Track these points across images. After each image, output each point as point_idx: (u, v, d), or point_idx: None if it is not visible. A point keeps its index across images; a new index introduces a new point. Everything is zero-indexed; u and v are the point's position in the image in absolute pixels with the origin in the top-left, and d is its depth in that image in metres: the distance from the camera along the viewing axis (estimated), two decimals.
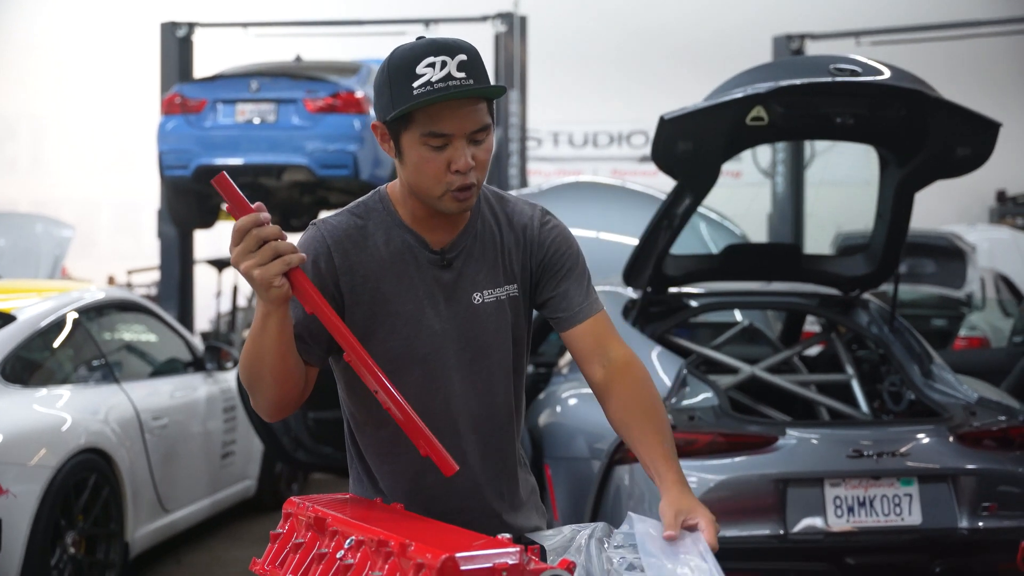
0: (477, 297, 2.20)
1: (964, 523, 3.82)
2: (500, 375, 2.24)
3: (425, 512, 2.11)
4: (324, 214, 10.58)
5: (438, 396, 2.18)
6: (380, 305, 2.14)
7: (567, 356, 4.93)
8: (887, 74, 3.76)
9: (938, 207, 12.70)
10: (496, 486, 2.27)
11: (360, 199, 2.25)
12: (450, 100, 2.02)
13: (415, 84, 2.01)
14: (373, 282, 2.14)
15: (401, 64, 2.04)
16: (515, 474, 2.31)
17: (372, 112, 8.85)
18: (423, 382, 2.17)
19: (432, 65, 2.01)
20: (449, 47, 2.04)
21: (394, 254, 2.16)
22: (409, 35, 10.54)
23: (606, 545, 1.93)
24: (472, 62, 2.05)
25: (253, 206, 1.92)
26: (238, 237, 1.90)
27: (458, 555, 1.64)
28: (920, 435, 3.94)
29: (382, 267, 2.15)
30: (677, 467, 2.10)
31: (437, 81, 2.01)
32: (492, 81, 2.09)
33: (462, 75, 2.02)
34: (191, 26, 11.21)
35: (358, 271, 2.14)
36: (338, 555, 1.85)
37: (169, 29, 11.19)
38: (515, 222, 2.28)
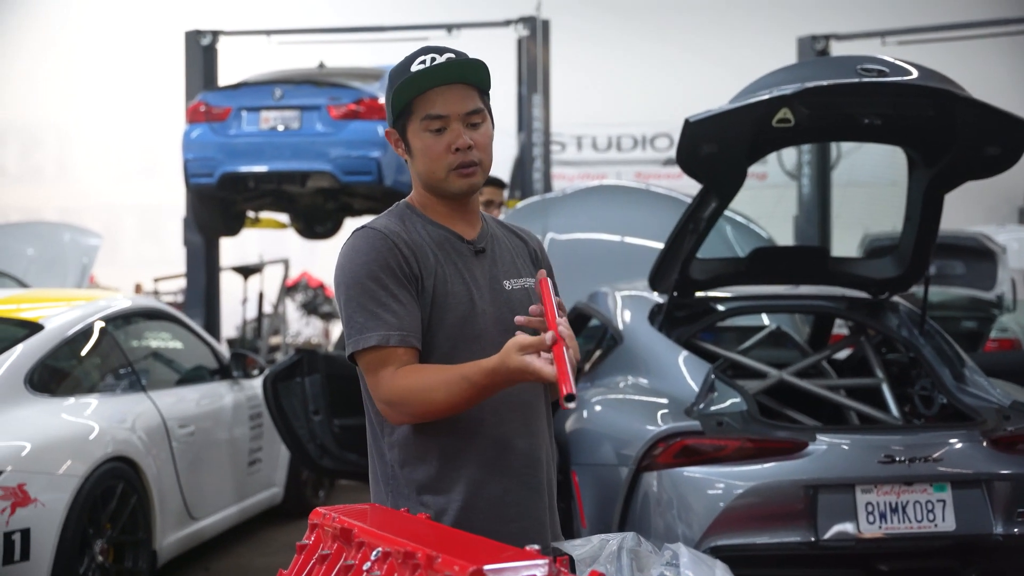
0: (508, 284, 2.37)
1: (999, 529, 3.77)
2: None
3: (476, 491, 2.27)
4: (350, 220, 10.63)
5: None
6: (441, 286, 2.29)
7: (591, 361, 4.90)
8: (915, 74, 3.72)
9: (966, 207, 12.57)
10: (542, 471, 2.37)
11: (385, 212, 2.40)
12: (440, 86, 2.25)
13: (407, 79, 2.25)
14: (432, 266, 2.29)
15: (398, 69, 2.30)
16: (551, 460, 2.43)
17: None
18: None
19: (423, 62, 2.26)
20: (439, 48, 2.28)
21: (437, 246, 2.31)
22: (432, 41, 10.53)
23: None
24: (460, 57, 2.27)
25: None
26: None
27: (486, 567, 1.61)
28: (953, 440, 3.89)
29: (435, 255, 2.30)
30: None
31: (431, 67, 2.24)
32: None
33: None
34: (215, 34, 11.24)
35: (420, 258, 2.29)
36: (364, 567, 1.83)
37: (193, 38, 11.23)
38: (518, 234, 2.51)
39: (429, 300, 2.28)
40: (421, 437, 2.29)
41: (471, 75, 2.28)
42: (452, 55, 2.28)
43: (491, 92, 2.37)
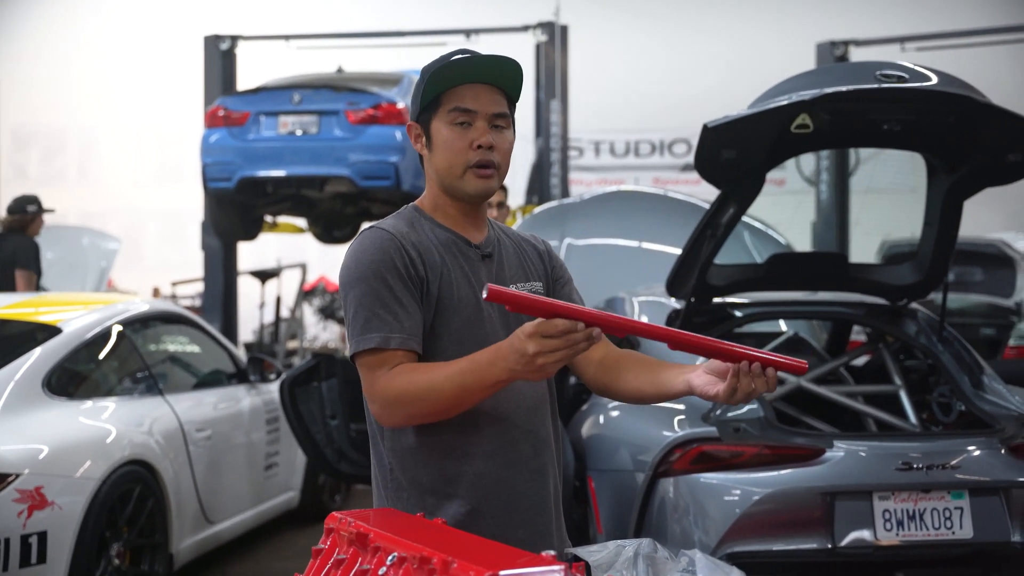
0: (513, 288, 2.31)
1: (1017, 537, 3.75)
2: None
3: (479, 502, 2.24)
4: (366, 224, 10.69)
5: None
6: (446, 289, 2.28)
7: None
8: (935, 80, 3.70)
9: (985, 214, 12.53)
10: (548, 477, 2.35)
11: (393, 214, 2.38)
12: (473, 84, 2.26)
13: (443, 66, 2.26)
14: (439, 268, 2.27)
15: (434, 64, 2.30)
16: (556, 466, 2.41)
17: None
18: None
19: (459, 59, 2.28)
20: (475, 52, 2.29)
21: (443, 249, 2.30)
22: (450, 46, 10.55)
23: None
24: (498, 56, 2.29)
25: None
26: (558, 341, 1.95)
27: (502, 573, 1.61)
28: (971, 447, 3.87)
29: (442, 257, 2.29)
30: None
31: (474, 60, 2.27)
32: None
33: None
34: (234, 39, 11.30)
35: (426, 260, 2.27)
36: (380, 572, 1.83)
37: (213, 42, 11.29)
38: (525, 239, 2.51)
39: (434, 303, 2.25)
40: (421, 441, 2.26)
41: (507, 77, 2.29)
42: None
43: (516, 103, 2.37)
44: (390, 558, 1.83)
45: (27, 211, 8.30)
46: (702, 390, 2.22)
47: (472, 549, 1.77)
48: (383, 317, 2.19)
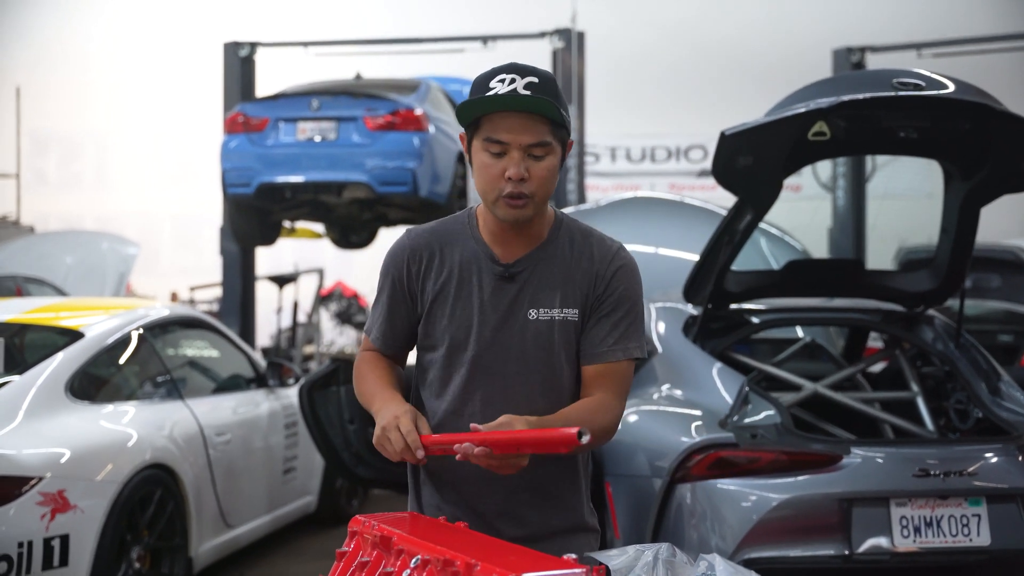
0: (532, 313, 2.32)
1: None
2: (540, 390, 2.34)
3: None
4: (384, 231, 10.70)
5: (475, 398, 2.34)
6: (440, 305, 2.37)
7: None
8: (951, 88, 3.71)
9: (1003, 220, 12.49)
10: (528, 497, 2.36)
11: (456, 213, 2.47)
12: (510, 112, 2.22)
13: (484, 95, 2.23)
14: (442, 283, 2.34)
15: (480, 79, 2.29)
16: (551, 491, 2.39)
17: (431, 129, 8.99)
18: (465, 382, 2.35)
19: (503, 80, 2.23)
20: (523, 69, 2.23)
21: (463, 262, 2.35)
22: (467, 53, 10.54)
23: None
24: (542, 85, 2.21)
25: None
26: (396, 434, 2.25)
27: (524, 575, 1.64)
28: (988, 454, 3.88)
29: (450, 272, 2.35)
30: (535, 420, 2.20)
31: (502, 93, 2.21)
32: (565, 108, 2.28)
33: (527, 93, 2.20)
34: (253, 46, 11.35)
35: (431, 273, 2.36)
36: (404, 574, 1.86)
37: (232, 49, 11.34)
38: (594, 255, 2.37)
39: (429, 309, 2.38)
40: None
41: (541, 111, 2.22)
42: (535, 79, 2.22)
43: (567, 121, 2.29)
44: (414, 561, 1.85)
45: None
46: None
47: (495, 552, 1.80)
48: (376, 311, 2.45)
